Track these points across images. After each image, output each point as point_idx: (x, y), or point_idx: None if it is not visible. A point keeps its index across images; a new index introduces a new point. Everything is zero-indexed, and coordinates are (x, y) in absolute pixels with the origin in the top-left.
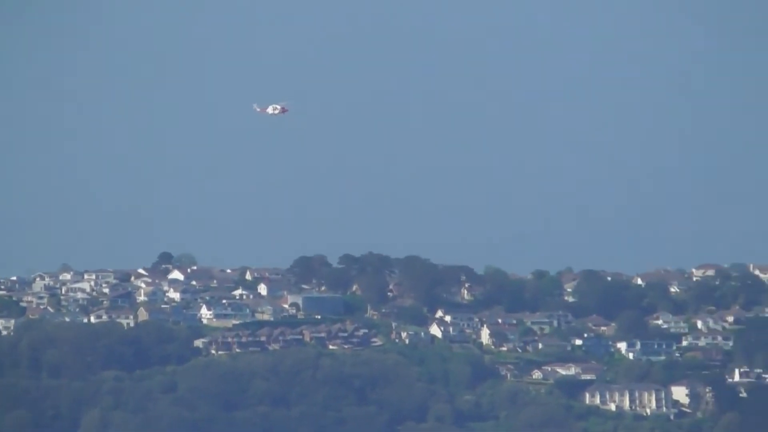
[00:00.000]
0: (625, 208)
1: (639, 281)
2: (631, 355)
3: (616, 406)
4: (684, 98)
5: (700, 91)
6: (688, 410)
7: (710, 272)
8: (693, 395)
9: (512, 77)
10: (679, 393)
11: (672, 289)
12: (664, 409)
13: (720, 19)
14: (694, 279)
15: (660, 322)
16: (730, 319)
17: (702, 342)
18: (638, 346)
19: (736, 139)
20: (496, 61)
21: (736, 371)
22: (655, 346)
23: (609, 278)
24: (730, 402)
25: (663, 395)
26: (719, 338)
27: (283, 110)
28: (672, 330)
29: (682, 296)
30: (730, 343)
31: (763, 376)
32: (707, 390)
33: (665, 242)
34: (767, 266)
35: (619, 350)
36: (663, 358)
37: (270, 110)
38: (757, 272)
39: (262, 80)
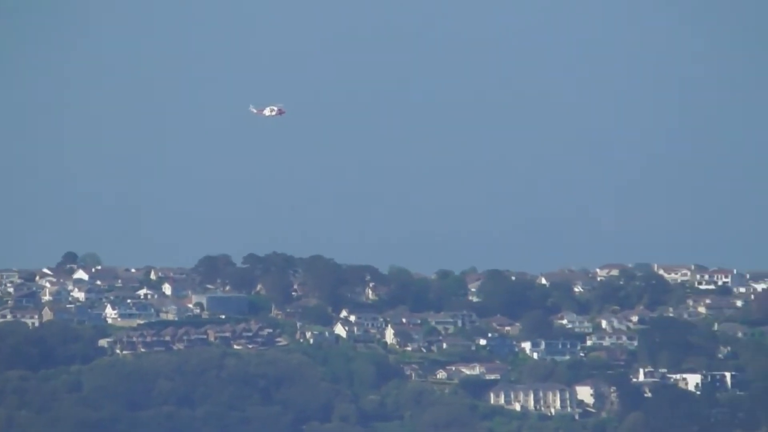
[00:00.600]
0: (528, 208)
1: (543, 281)
2: (535, 355)
3: (521, 406)
4: (588, 98)
5: (600, 89)
6: (592, 410)
7: (614, 272)
8: (598, 395)
9: (434, 75)
10: (584, 393)
11: (576, 289)
12: (569, 408)
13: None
14: (599, 279)
15: (564, 321)
16: (635, 318)
17: (606, 342)
18: (543, 345)
19: (641, 141)
20: (421, 60)
21: (641, 371)
22: (560, 346)
23: (513, 278)
24: (634, 402)
25: (567, 395)
26: (624, 338)
27: (280, 112)
28: (576, 330)
29: (587, 296)
30: (635, 343)
31: (668, 376)
32: (612, 390)
33: (569, 242)
34: (671, 266)
35: (523, 350)
36: (567, 357)
37: (267, 112)
38: (661, 272)
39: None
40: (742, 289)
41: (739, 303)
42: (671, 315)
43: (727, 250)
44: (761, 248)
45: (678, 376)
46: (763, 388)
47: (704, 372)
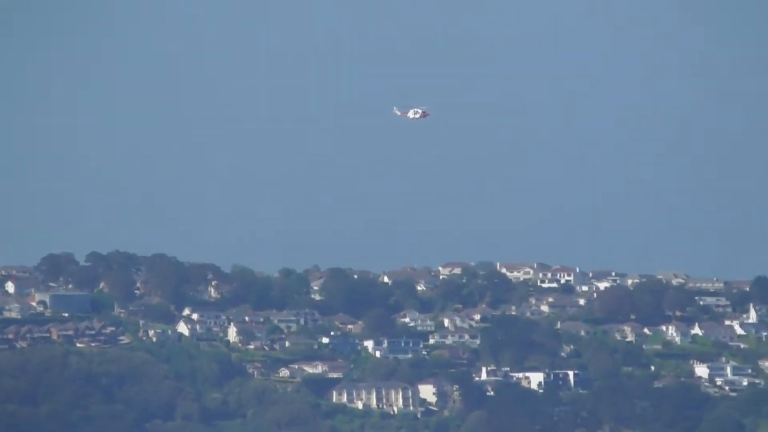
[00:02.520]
0: (371, 206)
1: (386, 279)
2: (378, 354)
3: (364, 405)
4: (427, 98)
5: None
6: (435, 408)
7: (457, 270)
8: (440, 393)
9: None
10: (426, 391)
11: (419, 288)
12: (411, 407)
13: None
14: (441, 277)
15: (407, 320)
16: (477, 317)
17: (449, 340)
18: (385, 344)
19: (482, 141)
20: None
21: (483, 369)
22: (402, 345)
23: (356, 276)
24: (477, 400)
25: (410, 393)
26: (466, 336)
27: (424, 114)
28: (419, 328)
29: (429, 294)
30: (477, 342)
31: (510, 374)
32: (454, 388)
33: (412, 240)
34: (514, 264)
35: (366, 348)
36: (410, 356)
37: (411, 114)
38: (503, 270)
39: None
40: (585, 288)
41: (581, 301)
42: (514, 313)
43: (570, 248)
44: (603, 247)
45: (520, 375)
46: (605, 387)
47: (547, 371)
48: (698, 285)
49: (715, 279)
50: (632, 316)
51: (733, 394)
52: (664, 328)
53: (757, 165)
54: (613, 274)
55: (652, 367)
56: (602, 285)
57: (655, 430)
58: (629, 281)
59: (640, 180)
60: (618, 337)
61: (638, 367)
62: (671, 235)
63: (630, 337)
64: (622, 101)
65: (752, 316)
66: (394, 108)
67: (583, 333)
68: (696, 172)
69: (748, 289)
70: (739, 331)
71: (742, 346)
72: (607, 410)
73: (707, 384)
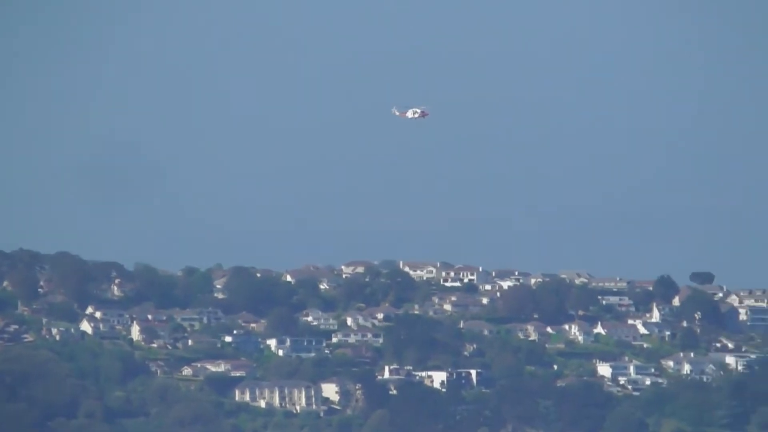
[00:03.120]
0: (276, 205)
1: (289, 278)
2: (281, 352)
3: (266, 403)
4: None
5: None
6: (338, 407)
7: (360, 269)
8: (343, 392)
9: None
10: (329, 390)
11: (322, 286)
12: (314, 406)
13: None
14: (344, 276)
15: (310, 318)
16: (380, 316)
17: (352, 339)
18: (288, 342)
19: (385, 144)
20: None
21: (386, 368)
22: (305, 343)
23: (258, 275)
24: (380, 399)
25: (313, 392)
26: (369, 335)
27: (423, 114)
28: (322, 327)
29: (332, 293)
30: (380, 341)
31: (413, 373)
32: (357, 387)
33: (314, 239)
34: (417, 263)
35: (269, 347)
36: (313, 355)
37: (410, 114)
38: (407, 269)
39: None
40: (488, 287)
41: (485, 300)
42: (417, 312)
43: (473, 247)
44: (507, 246)
45: (423, 374)
46: (508, 386)
47: (450, 370)
48: (601, 284)
49: (618, 278)
50: (535, 315)
51: (636, 393)
52: (567, 327)
53: (658, 163)
54: (516, 273)
55: (555, 366)
56: (505, 284)
57: (558, 428)
58: (532, 280)
59: (542, 179)
60: (521, 336)
61: (541, 366)
62: (574, 234)
63: (533, 336)
64: (525, 103)
65: (655, 316)
66: (393, 108)
67: (486, 332)
68: (597, 171)
69: (651, 288)
70: (642, 330)
71: (645, 345)
72: (510, 409)
73: (610, 383)
